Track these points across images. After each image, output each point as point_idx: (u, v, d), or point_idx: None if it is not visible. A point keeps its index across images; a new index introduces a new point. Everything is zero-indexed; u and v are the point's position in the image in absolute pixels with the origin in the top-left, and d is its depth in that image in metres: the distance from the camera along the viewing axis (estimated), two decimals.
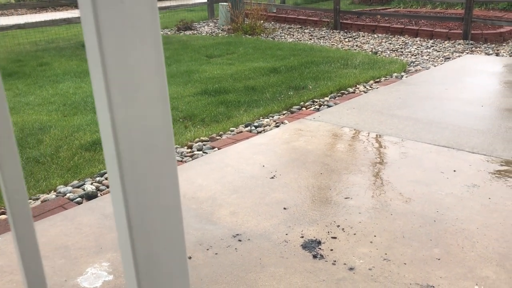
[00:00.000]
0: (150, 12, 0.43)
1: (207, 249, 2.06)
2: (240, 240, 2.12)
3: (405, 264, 1.91)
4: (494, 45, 7.27)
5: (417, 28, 8.31)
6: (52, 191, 2.91)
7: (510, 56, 6.48)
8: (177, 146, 3.55)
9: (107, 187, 2.91)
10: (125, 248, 0.49)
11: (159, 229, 0.49)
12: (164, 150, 0.49)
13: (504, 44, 7.33)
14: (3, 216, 2.61)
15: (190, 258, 2.00)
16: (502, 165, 2.82)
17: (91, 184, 2.94)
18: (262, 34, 9.17)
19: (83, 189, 2.85)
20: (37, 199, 2.81)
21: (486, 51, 6.80)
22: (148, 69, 0.46)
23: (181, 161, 3.22)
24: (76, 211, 2.48)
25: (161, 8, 11.33)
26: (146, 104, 0.46)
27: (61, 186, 2.94)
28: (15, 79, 6.14)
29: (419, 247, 2.03)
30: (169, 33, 9.97)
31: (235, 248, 2.05)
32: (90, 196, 2.75)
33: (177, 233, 0.51)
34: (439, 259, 1.94)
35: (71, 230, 2.26)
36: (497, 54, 6.60)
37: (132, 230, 0.48)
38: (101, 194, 2.79)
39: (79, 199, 2.73)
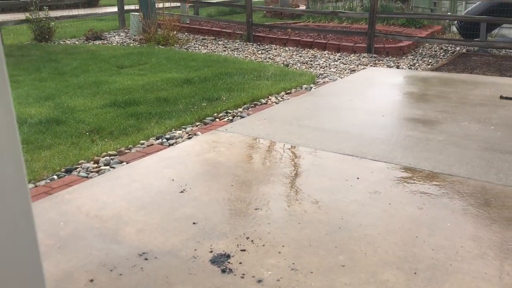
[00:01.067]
0: None
1: (111, 270, 1.96)
2: (146, 259, 2.04)
3: (311, 272, 1.95)
4: (395, 58, 7.78)
5: (325, 41, 8.68)
6: None
7: (409, 68, 6.97)
8: (82, 161, 3.37)
9: None
10: None
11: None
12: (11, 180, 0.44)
13: (403, 57, 7.87)
14: None
15: (92, 281, 1.89)
16: (401, 172, 3.00)
17: None
18: (175, 45, 9.07)
19: None
20: None
21: (388, 64, 7.25)
22: None
23: (86, 177, 3.06)
24: None
25: (68, 17, 10.82)
26: None
27: None
28: None
29: (325, 255, 2.08)
30: (77, 42, 9.54)
31: (141, 268, 1.97)
32: None
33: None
34: (343, 266, 2.00)
35: None
36: (397, 67, 7.06)
37: None
38: None
39: None
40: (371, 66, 7.09)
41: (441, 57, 7.91)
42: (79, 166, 3.30)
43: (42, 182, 3.04)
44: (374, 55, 7.96)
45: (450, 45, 8.66)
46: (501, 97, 4.83)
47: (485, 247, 2.15)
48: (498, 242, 2.19)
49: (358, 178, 2.89)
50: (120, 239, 2.20)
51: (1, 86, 0.39)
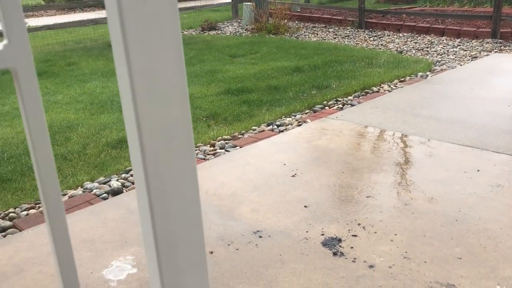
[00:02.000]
0: (170, 11, 0.46)
1: (228, 245, 2.10)
2: (260, 237, 2.15)
3: (425, 262, 1.91)
4: None
5: (444, 27, 8.19)
6: (79, 187, 3.00)
7: None
8: (200, 144, 3.60)
9: (133, 183, 2.98)
10: (148, 236, 0.52)
11: (180, 218, 0.53)
12: (184, 143, 0.52)
13: None
14: (32, 211, 2.71)
15: (211, 253, 2.04)
16: None
17: (117, 180, 3.02)
18: (286, 34, 9.18)
19: (109, 185, 2.93)
20: (65, 194, 2.90)
21: None
22: (168, 66, 0.49)
23: (204, 159, 3.27)
24: (102, 207, 2.55)
25: (185, 9, 11.45)
26: (167, 99, 0.49)
27: (88, 182, 3.02)
28: (44, 78, 6.32)
29: (440, 246, 2.02)
30: (193, 33, 10.08)
31: (256, 244, 2.09)
32: (115, 192, 2.82)
33: (196, 223, 0.54)
34: (460, 258, 1.93)
35: (97, 224, 2.33)
36: None
37: (155, 218, 0.51)
38: (126, 190, 2.86)
39: (105, 195, 2.80)
40: (495, 52, 6.56)
41: None
42: (197, 148, 3.53)
43: None
44: (500, 40, 7.33)
45: None
46: None
47: None
48: None
49: (478, 170, 2.73)
50: (236, 216, 2.33)
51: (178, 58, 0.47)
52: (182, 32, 10.14)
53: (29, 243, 2.18)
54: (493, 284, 1.78)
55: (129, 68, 0.45)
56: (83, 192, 2.91)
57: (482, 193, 2.47)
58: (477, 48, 6.89)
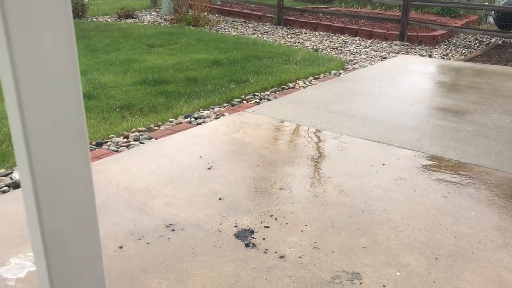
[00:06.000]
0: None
1: (139, 239, 2.04)
2: (173, 230, 2.11)
3: (333, 252, 1.99)
4: (428, 47, 7.64)
5: (357, 27, 8.57)
6: None
7: (442, 58, 6.84)
8: (112, 135, 3.46)
9: None
10: (33, 226, 0.48)
11: (68, 205, 0.49)
12: (75, 129, 0.48)
13: (437, 46, 7.72)
14: None
15: (121, 248, 1.97)
16: (428, 160, 2.99)
17: None
18: (205, 26, 9.11)
19: (11, 178, 2.72)
20: None
21: (420, 53, 7.13)
22: (57, 44, 0.45)
23: (116, 151, 3.14)
24: (2, 200, 2.37)
25: None
26: (54, 81, 0.45)
27: None
28: None
29: (347, 236, 2.11)
30: (109, 20, 9.67)
31: (168, 238, 2.04)
32: (17, 185, 2.63)
33: (89, 211, 0.51)
34: (365, 248, 2.03)
35: None
36: (430, 56, 6.94)
37: (40, 205, 0.46)
38: None
39: (5, 188, 2.60)
40: (402, 54, 6.99)
41: (475, 48, 7.73)
42: (109, 140, 3.39)
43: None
44: (407, 43, 7.83)
45: (486, 36, 8.44)
46: None
47: (509, 237, 2.15)
48: None
49: (384, 164, 2.89)
50: (148, 210, 2.27)
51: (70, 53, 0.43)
52: (96, 18, 9.71)
53: None
54: (394, 271, 1.89)
55: (10, 49, 0.40)
56: None
57: (387, 186, 2.61)
58: (387, 49, 7.29)
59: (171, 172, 2.70)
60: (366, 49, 7.33)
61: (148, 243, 2.00)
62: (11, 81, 0.42)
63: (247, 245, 2.00)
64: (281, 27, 9.29)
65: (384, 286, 1.79)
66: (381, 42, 7.91)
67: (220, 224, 2.17)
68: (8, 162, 2.96)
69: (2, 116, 3.72)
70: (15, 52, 0.41)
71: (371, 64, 6.17)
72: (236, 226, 2.15)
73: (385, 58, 6.67)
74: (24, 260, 1.86)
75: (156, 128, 3.69)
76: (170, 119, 3.88)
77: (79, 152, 0.50)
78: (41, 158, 0.46)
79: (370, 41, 8.03)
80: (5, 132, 3.40)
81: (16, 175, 2.74)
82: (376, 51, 7.21)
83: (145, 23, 9.43)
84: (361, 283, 1.80)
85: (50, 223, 0.49)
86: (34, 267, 1.83)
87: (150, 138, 3.38)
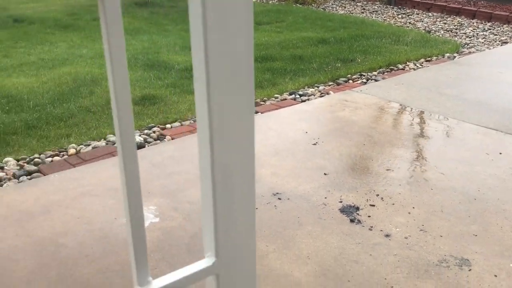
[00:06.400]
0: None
1: None
2: (280, 199, 2.18)
3: (441, 236, 1.94)
4: None
5: (475, 9, 7.98)
6: (102, 139, 3.05)
7: None
8: None
9: (154, 139, 3.03)
10: (205, 159, 0.55)
11: (234, 142, 0.56)
12: (245, 75, 0.55)
13: None
14: (56, 158, 2.78)
15: None
16: None
17: (139, 136, 3.07)
18: (313, 4, 9.04)
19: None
20: (88, 145, 2.96)
21: None
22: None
23: None
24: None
25: None
26: (234, 29, 0.52)
27: (111, 135, 3.08)
28: (70, 31, 6.35)
29: (456, 222, 2.04)
30: None
31: (275, 205, 2.13)
32: (138, 147, 2.87)
33: (248, 148, 0.57)
34: (476, 235, 1.95)
35: None
36: None
37: (213, 142, 0.54)
38: (148, 146, 2.91)
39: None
40: None
41: None
42: None
43: (187, 122, 3.35)
44: None
45: None
46: None
47: None
48: None
49: (500, 153, 2.72)
50: (256, 178, 2.37)
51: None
52: None
53: (56, 187, 2.25)
54: (507, 262, 1.80)
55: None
56: (106, 144, 2.96)
57: (502, 175, 2.46)
58: (508, 33, 6.72)
59: (278, 144, 2.78)
60: (485, 33, 6.81)
61: (256, 208, 2.10)
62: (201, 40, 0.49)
63: (352, 221, 2.02)
64: (391, 6, 8.93)
65: (496, 275, 1.72)
66: (502, 26, 7.30)
67: (325, 198, 2.21)
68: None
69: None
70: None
71: (489, 49, 5.74)
72: (341, 202, 2.18)
73: (506, 42, 6.16)
74: (147, 212, 2.06)
75: (262, 103, 3.79)
76: (276, 95, 3.96)
77: (246, 103, 0.57)
78: (217, 105, 0.54)
79: (489, 24, 7.44)
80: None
81: (136, 137, 2.99)
82: (496, 35, 6.67)
83: (253, 0, 9.58)
84: (470, 270, 1.74)
85: (220, 156, 0.56)
86: (155, 219, 2.01)
87: (256, 112, 3.49)
